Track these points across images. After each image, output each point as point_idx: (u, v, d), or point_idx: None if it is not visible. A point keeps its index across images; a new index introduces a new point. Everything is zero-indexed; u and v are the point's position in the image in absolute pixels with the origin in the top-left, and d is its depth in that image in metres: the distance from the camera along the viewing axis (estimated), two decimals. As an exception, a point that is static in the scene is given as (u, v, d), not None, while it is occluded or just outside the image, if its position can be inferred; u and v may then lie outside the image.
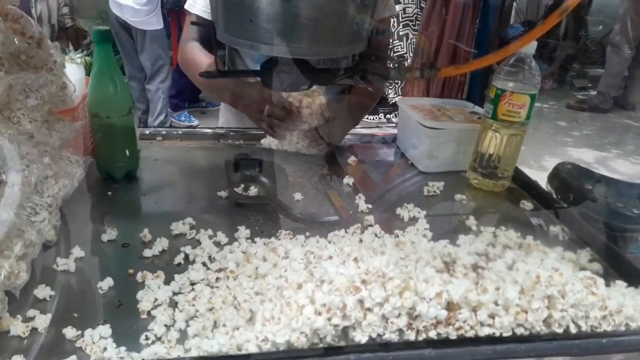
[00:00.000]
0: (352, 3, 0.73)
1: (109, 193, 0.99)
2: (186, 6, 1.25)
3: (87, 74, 3.58)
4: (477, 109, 1.29)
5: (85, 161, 1.00)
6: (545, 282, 0.63)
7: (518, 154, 1.10)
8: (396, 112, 4.08)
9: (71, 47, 4.39)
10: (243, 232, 0.86)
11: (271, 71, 0.84)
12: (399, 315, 0.61)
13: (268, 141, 1.24)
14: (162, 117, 3.70)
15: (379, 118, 4.24)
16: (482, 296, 0.62)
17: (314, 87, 1.04)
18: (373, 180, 1.15)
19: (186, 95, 4.02)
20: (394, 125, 4.04)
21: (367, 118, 4.24)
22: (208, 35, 1.24)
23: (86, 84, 1.08)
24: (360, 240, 0.82)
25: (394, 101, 4.15)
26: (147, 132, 1.25)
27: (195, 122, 3.99)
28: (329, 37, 0.75)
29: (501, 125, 1.06)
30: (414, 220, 0.95)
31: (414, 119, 1.19)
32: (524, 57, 1.03)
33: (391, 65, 0.92)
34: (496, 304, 0.62)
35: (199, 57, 1.23)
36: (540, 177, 1.15)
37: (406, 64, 0.88)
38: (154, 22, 3.40)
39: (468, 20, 1.35)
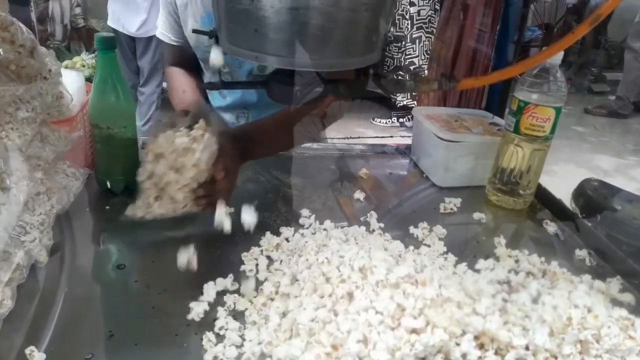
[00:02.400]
0: (366, 11, 0.67)
1: (107, 207, 0.94)
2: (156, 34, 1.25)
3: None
4: (497, 119, 1.22)
5: (83, 173, 0.96)
6: (577, 324, 0.57)
7: (541, 170, 1.03)
8: (409, 116, 4.02)
9: (83, 48, 4.39)
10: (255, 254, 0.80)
11: (279, 83, 0.79)
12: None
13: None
14: (152, 122, 3.65)
15: (392, 122, 4.16)
16: (513, 339, 0.56)
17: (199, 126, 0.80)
18: (385, 195, 1.09)
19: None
20: (406, 128, 3.99)
21: (380, 122, 4.17)
22: (179, 58, 1.23)
23: (87, 92, 1.03)
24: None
25: (402, 104, 4.07)
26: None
27: None
28: (341, 47, 0.69)
29: (524, 139, 0.99)
30: (429, 238, 0.89)
31: (429, 130, 1.13)
32: (549, 67, 0.96)
33: (407, 77, 0.86)
34: (527, 348, 0.56)
35: (176, 85, 1.20)
36: (557, 186, 1.08)
37: (423, 74, 0.82)
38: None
39: (488, 25, 1.28)
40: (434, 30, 3.82)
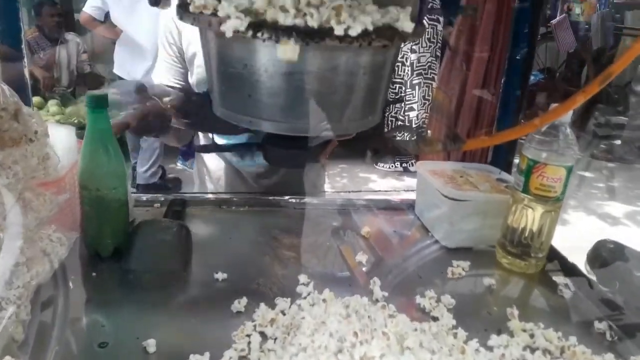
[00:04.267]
0: (364, 74, 0.63)
1: (94, 274, 0.89)
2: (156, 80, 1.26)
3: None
4: (504, 175, 1.18)
5: (70, 238, 0.91)
6: None
7: (554, 231, 0.98)
8: (413, 161, 3.98)
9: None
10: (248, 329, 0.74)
11: (275, 146, 0.75)
12: None
13: None
14: (154, 168, 3.62)
15: (395, 167, 4.13)
16: None
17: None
18: (389, 257, 1.03)
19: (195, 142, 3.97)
20: (410, 173, 3.94)
21: (383, 166, 4.14)
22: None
23: (79, 149, 1.00)
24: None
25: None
26: (144, 199, 1.15)
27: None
28: (339, 112, 0.65)
29: (534, 200, 0.95)
30: (437, 310, 0.83)
31: (434, 187, 1.08)
32: (559, 124, 0.92)
33: (410, 137, 0.82)
34: None
35: None
36: (567, 237, 1.03)
37: (426, 135, 0.78)
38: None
39: (492, 75, 1.25)
40: (434, 77, 3.84)
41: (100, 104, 0.88)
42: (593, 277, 0.98)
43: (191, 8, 0.57)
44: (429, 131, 0.77)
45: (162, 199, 1.16)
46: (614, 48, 4.77)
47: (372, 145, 0.80)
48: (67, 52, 4.36)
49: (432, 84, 3.86)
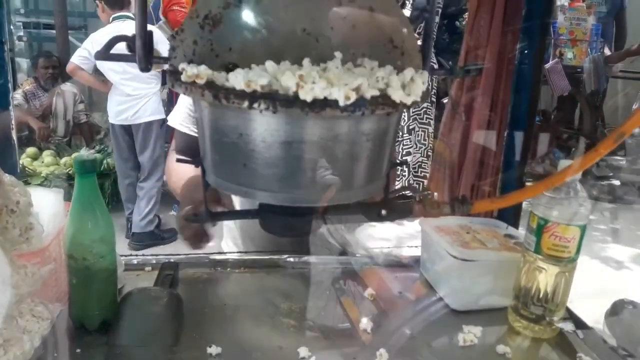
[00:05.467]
0: (367, 141, 0.60)
1: (78, 350, 0.82)
2: (172, 123, 1.26)
3: (99, 170, 3.53)
4: (512, 230, 1.13)
5: (54, 310, 0.85)
6: None
7: (568, 292, 0.93)
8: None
9: (84, 143, 4.41)
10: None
11: (273, 213, 0.70)
12: None
13: None
14: (150, 217, 3.56)
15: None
16: None
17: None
18: (396, 323, 0.97)
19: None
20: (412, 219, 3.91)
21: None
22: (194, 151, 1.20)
23: (67, 212, 0.95)
24: None
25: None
26: (135, 262, 1.09)
27: None
28: (340, 181, 0.61)
29: (547, 261, 0.90)
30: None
31: (441, 247, 1.03)
32: (569, 181, 0.88)
33: (416, 198, 0.78)
34: None
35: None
36: (575, 284, 0.97)
37: (431, 197, 0.74)
38: (157, 112, 3.40)
39: (495, 127, 1.22)
40: (430, 122, 3.86)
41: (88, 169, 0.83)
42: (612, 341, 0.92)
43: (183, 77, 0.54)
44: (435, 193, 0.74)
45: (154, 261, 1.10)
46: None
47: (375, 208, 0.75)
48: (63, 103, 4.38)
49: (428, 129, 3.86)
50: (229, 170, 0.61)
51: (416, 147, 3.87)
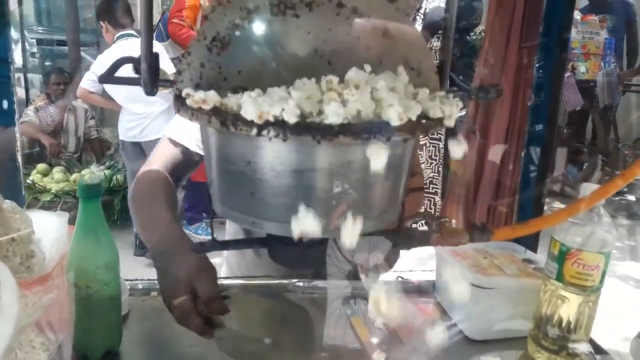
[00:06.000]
0: (381, 169, 0.56)
1: (80, 384, 0.79)
2: (168, 133, 1.09)
3: (109, 186, 3.47)
4: (530, 254, 1.09)
5: (55, 341, 0.82)
6: None
7: (592, 323, 0.88)
8: (423, 221, 3.90)
9: (94, 159, 4.42)
10: None
11: (281, 242, 0.67)
12: None
13: None
14: None
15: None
16: None
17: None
18: (408, 351, 0.93)
19: (202, 206, 3.87)
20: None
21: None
22: (181, 165, 1.04)
23: (70, 236, 0.92)
24: None
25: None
26: (140, 287, 1.06)
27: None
28: (354, 211, 0.57)
29: (569, 289, 0.85)
30: None
31: (457, 273, 0.99)
32: (593, 206, 0.84)
33: (432, 227, 0.74)
34: None
35: (151, 186, 1.01)
36: None
37: (448, 223, 0.70)
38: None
39: (512, 145, 1.19)
40: (441, 137, 3.82)
41: (92, 194, 0.81)
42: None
43: (189, 102, 0.51)
44: (453, 220, 0.70)
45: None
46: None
47: (390, 236, 0.72)
48: (75, 119, 4.40)
49: (439, 144, 3.82)
50: (236, 199, 0.58)
51: (427, 163, 3.84)
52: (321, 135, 0.48)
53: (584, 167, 4.95)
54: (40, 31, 6.35)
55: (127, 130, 3.37)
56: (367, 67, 0.52)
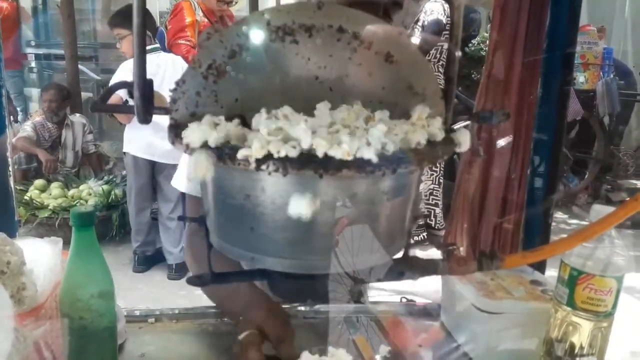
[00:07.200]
0: (388, 200, 0.54)
1: (73, 421, 0.76)
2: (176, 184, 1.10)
3: (107, 201, 3.40)
4: (538, 276, 1.06)
5: (47, 376, 0.78)
6: None
7: (606, 349, 0.85)
8: (424, 234, 3.88)
9: (92, 174, 4.39)
10: None
11: (284, 275, 0.64)
12: None
13: None
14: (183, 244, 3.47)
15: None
16: None
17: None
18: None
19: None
20: (421, 245, 3.80)
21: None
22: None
23: (64, 264, 0.89)
24: None
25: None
26: (137, 313, 1.03)
27: None
28: (360, 244, 0.55)
29: (581, 315, 0.82)
30: None
31: (464, 297, 0.96)
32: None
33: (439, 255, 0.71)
34: None
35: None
36: None
37: (457, 251, 0.67)
38: None
39: (518, 162, 1.16)
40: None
41: (86, 222, 0.78)
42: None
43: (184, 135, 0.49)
44: (460, 248, 0.68)
45: (157, 312, 1.04)
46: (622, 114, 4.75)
47: (395, 266, 0.69)
48: (72, 134, 4.37)
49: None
50: (234, 233, 0.55)
51: (427, 175, 3.82)
52: (323, 170, 0.45)
53: (586, 176, 4.93)
54: (38, 46, 6.35)
55: (140, 147, 3.22)
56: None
